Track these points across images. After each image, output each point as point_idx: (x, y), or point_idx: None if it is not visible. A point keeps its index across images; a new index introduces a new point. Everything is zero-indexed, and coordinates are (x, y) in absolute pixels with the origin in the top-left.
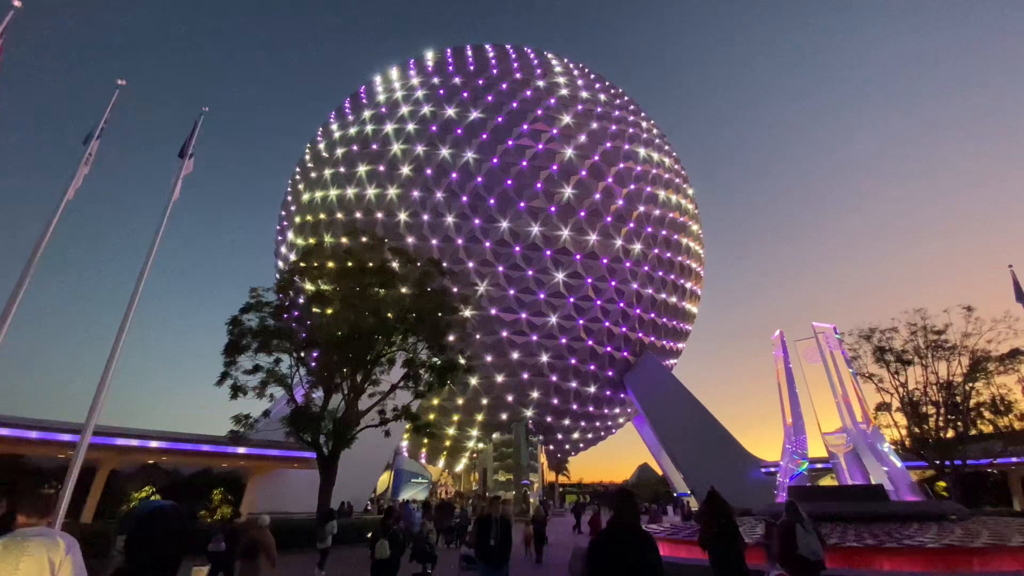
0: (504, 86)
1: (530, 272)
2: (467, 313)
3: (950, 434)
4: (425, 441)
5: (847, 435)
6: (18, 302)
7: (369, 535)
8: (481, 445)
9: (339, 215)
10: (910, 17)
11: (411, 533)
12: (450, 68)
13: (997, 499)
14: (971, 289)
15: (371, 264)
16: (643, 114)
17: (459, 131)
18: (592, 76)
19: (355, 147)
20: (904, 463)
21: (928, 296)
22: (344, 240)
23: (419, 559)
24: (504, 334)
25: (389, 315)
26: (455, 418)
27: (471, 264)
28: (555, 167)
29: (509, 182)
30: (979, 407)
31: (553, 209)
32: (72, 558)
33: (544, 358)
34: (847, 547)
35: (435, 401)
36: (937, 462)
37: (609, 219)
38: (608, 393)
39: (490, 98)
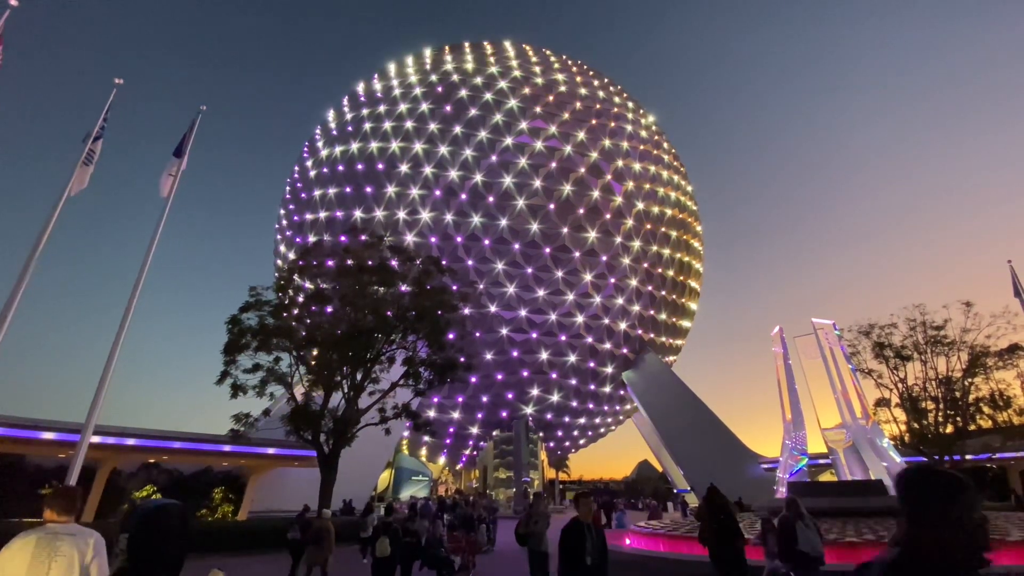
0: (503, 83)
1: (529, 270)
2: (467, 311)
3: (949, 429)
4: (426, 439)
5: (847, 431)
6: (18, 301)
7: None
8: (481, 443)
9: (338, 213)
10: (910, 14)
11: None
12: (448, 65)
13: (997, 494)
14: (970, 284)
15: (370, 262)
16: (642, 111)
17: (457, 128)
18: (591, 73)
19: (354, 145)
20: (903, 458)
21: (927, 292)
22: (343, 238)
23: (430, 565)
24: (504, 332)
25: (388, 313)
26: (455, 416)
27: (470, 262)
28: (554, 164)
29: (508, 179)
30: (978, 402)
31: (552, 206)
32: (100, 558)
33: (544, 356)
34: (846, 542)
35: (435, 399)
36: (936, 457)
37: (608, 216)
38: (608, 390)
39: (489, 95)
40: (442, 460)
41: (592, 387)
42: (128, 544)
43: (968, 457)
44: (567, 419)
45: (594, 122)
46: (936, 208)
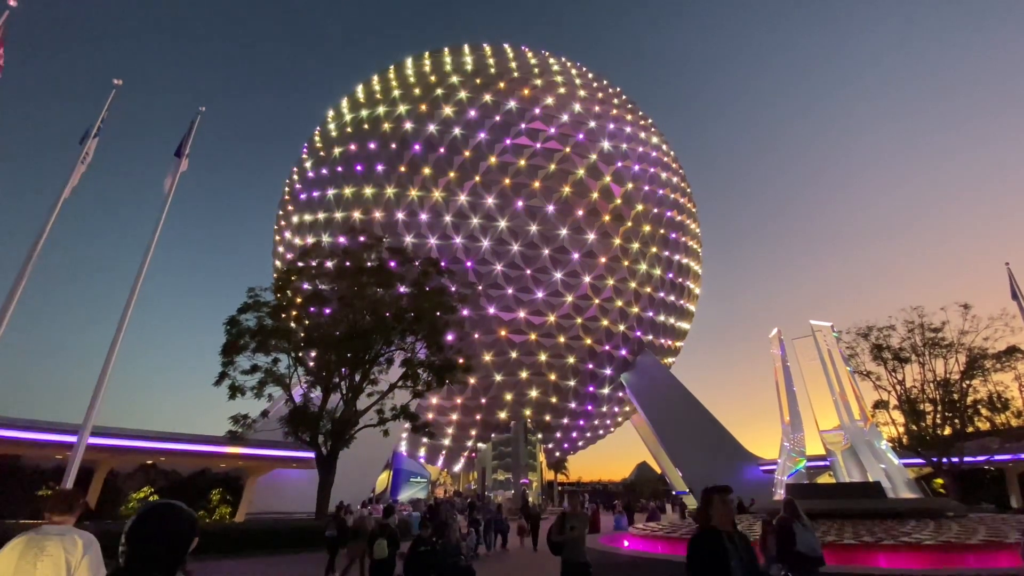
0: (502, 85)
1: (528, 271)
2: (465, 312)
3: (947, 431)
4: (424, 440)
5: (845, 433)
6: (15, 301)
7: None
8: (480, 444)
9: (337, 214)
10: (911, 15)
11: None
12: (448, 67)
13: (994, 496)
14: (968, 287)
15: (369, 263)
16: (640, 112)
17: (456, 130)
18: (590, 75)
19: (352, 146)
20: (901, 460)
21: (925, 294)
22: (342, 239)
23: None
24: (502, 333)
25: (387, 314)
26: (454, 417)
27: (469, 263)
28: (553, 166)
29: (507, 181)
30: (976, 404)
31: (551, 208)
32: (90, 557)
33: (543, 357)
34: (844, 544)
35: (434, 400)
36: (934, 459)
37: (607, 218)
38: (607, 392)
39: (488, 97)
40: (440, 462)
41: (591, 389)
42: (126, 542)
43: (966, 459)
44: (566, 421)
45: (593, 124)
46: (934, 210)
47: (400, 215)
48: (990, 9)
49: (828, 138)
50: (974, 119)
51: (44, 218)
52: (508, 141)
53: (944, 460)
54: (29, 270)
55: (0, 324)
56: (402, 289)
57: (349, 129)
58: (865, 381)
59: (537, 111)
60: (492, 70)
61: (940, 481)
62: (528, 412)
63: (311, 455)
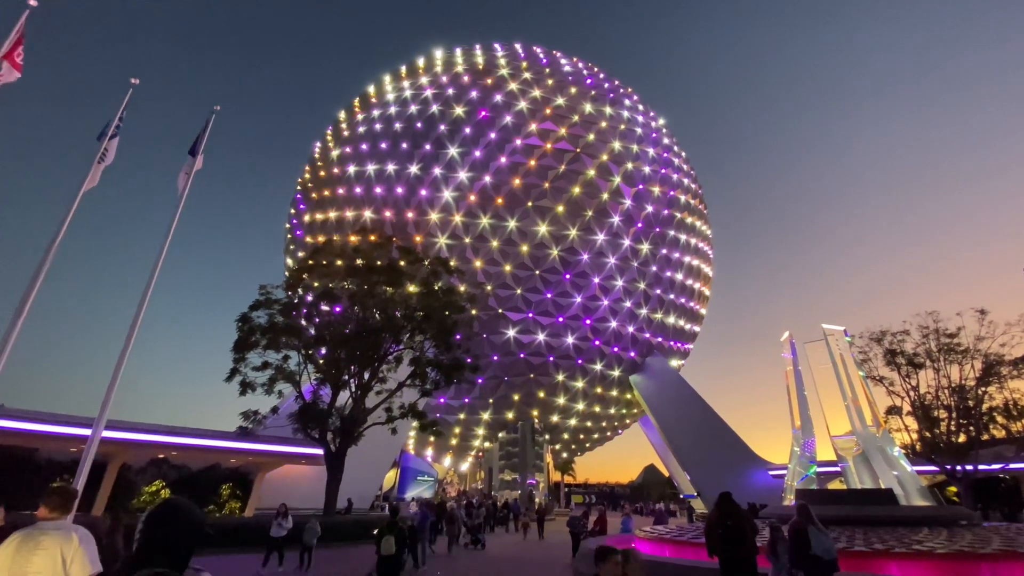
0: (513, 85)
1: (537, 272)
2: (474, 312)
3: (962, 439)
4: (431, 439)
5: (857, 438)
6: (33, 296)
7: (375, 531)
8: (487, 444)
9: (348, 213)
10: (920, 18)
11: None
12: (459, 67)
13: (1009, 505)
14: (985, 292)
15: (379, 262)
16: (652, 114)
17: (468, 130)
18: (602, 76)
19: (364, 146)
20: (914, 467)
21: (941, 299)
22: (353, 239)
23: None
24: (511, 333)
25: (397, 313)
26: (461, 416)
27: (478, 263)
28: (563, 166)
29: (517, 181)
30: (992, 411)
31: (561, 208)
32: (84, 551)
33: (551, 358)
34: (856, 551)
35: (442, 399)
36: (948, 467)
37: (617, 219)
38: (615, 393)
39: (499, 97)
40: (447, 461)
41: (599, 390)
42: (144, 528)
43: (980, 467)
44: (573, 422)
45: (604, 124)
46: (951, 214)
47: (410, 214)
48: (1018, 27)
49: (843, 141)
50: (993, 120)
51: (62, 214)
52: (519, 141)
53: (958, 468)
54: (47, 266)
55: (19, 318)
56: (411, 288)
57: (361, 129)
58: (878, 386)
59: (548, 111)
60: (504, 70)
61: (954, 489)
62: (535, 413)
63: (320, 452)
